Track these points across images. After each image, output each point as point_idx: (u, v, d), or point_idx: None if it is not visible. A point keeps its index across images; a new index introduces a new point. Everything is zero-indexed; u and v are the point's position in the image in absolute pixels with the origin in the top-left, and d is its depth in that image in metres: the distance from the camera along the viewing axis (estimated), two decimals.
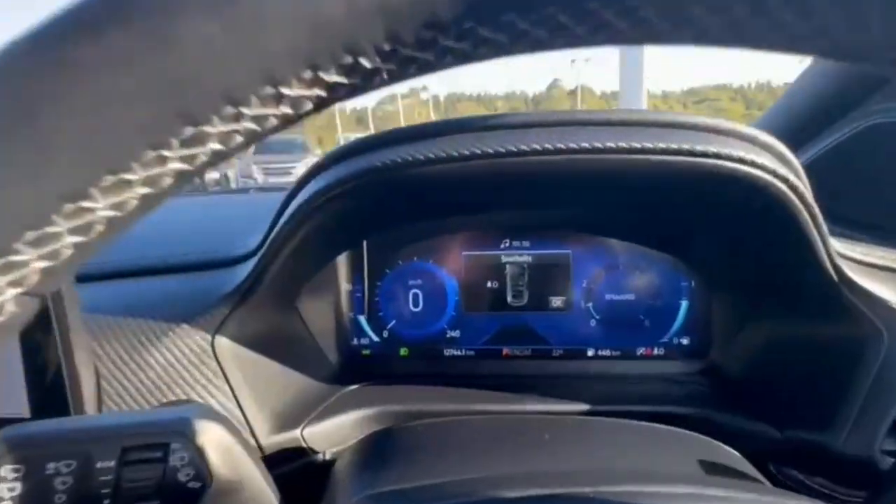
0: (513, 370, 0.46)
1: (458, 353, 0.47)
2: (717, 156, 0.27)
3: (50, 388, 0.28)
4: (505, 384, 0.43)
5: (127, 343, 0.34)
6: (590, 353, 0.46)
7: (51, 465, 0.19)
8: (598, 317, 0.46)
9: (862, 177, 0.48)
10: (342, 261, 0.47)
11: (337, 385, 0.43)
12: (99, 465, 0.19)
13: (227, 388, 0.34)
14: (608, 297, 0.45)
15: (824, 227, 0.31)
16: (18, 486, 0.18)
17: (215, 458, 0.21)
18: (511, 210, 0.43)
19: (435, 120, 0.33)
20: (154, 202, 0.09)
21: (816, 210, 0.31)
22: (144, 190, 0.08)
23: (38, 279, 0.09)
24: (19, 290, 0.08)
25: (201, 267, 0.39)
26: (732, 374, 0.42)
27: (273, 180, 9.05)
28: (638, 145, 0.27)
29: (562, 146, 0.27)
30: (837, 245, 0.34)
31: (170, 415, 0.22)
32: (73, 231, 0.08)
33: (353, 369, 0.46)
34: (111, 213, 0.08)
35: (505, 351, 0.47)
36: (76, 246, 0.09)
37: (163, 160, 0.08)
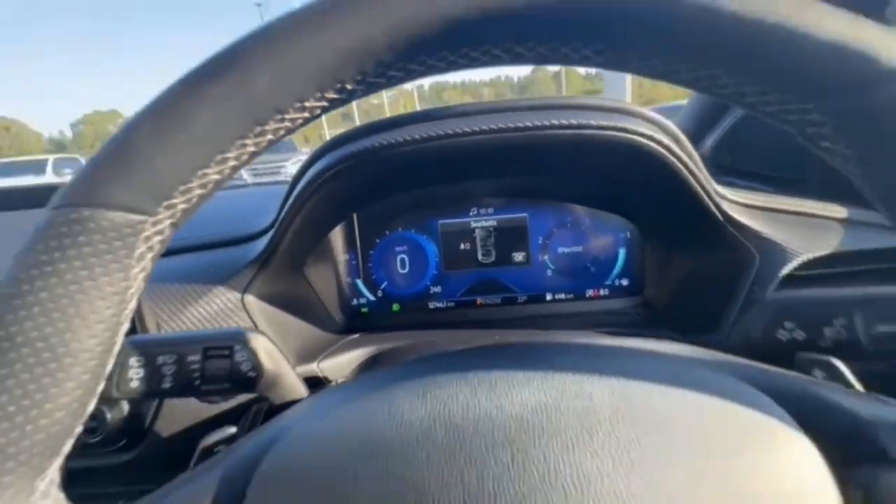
0: (486, 316, 0.56)
1: (441, 305, 0.57)
2: (608, 128, 0.36)
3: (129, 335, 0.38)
4: (479, 327, 0.53)
5: (178, 303, 0.43)
6: (548, 297, 0.56)
7: (160, 358, 0.28)
8: (553, 267, 0.56)
9: (756, 142, 0.58)
10: (338, 234, 0.56)
11: (342, 335, 0.53)
12: (189, 359, 0.29)
13: None
14: (560, 250, 0.55)
15: (704, 180, 0.41)
16: (141, 370, 0.28)
17: (264, 357, 0.31)
18: (472, 181, 0.53)
19: (407, 112, 0.42)
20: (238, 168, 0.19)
21: (695, 166, 0.40)
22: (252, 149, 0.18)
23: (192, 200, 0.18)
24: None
25: (227, 243, 0.49)
26: (661, 303, 0.53)
27: (260, 180, 9.09)
28: (548, 122, 0.36)
29: (493, 126, 0.37)
30: (723, 191, 0.44)
31: (231, 329, 0.32)
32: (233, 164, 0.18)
33: (355, 323, 0.56)
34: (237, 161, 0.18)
35: (479, 301, 0.57)
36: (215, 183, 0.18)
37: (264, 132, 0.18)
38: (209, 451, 0.28)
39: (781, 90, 0.16)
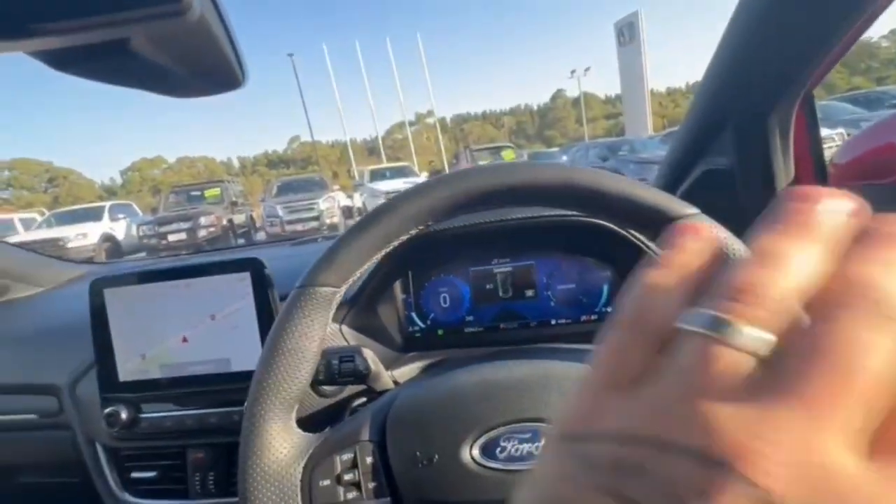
0: (507, 337, 0.76)
1: (474, 329, 0.77)
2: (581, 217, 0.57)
3: None
4: (502, 345, 0.73)
5: None
6: (552, 322, 0.75)
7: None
8: (554, 300, 0.75)
9: (716, 190, 0.77)
10: (397, 284, 0.78)
11: (403, 353, 0.74)
12: (332, 361, 0.50)
13: None
14: (559, 287, 0.75)
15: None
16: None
17: (371, 362, 0.52)
18: (494, 244, 0.74)
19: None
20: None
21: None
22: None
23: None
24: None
25: None
26: None
27: (295, 216, 9.62)
28: (538, 214, 0.58)
29: (508, 217, 0.59)
30: None
31: (352, 346, 0.53)
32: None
33: (411, 345, 0.77)
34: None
35: (501, 326, 0.77)
36: None
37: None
38: (354, 410, 0.49)
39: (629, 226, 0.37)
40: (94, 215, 10.44)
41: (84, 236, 9.32)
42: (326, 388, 0.60)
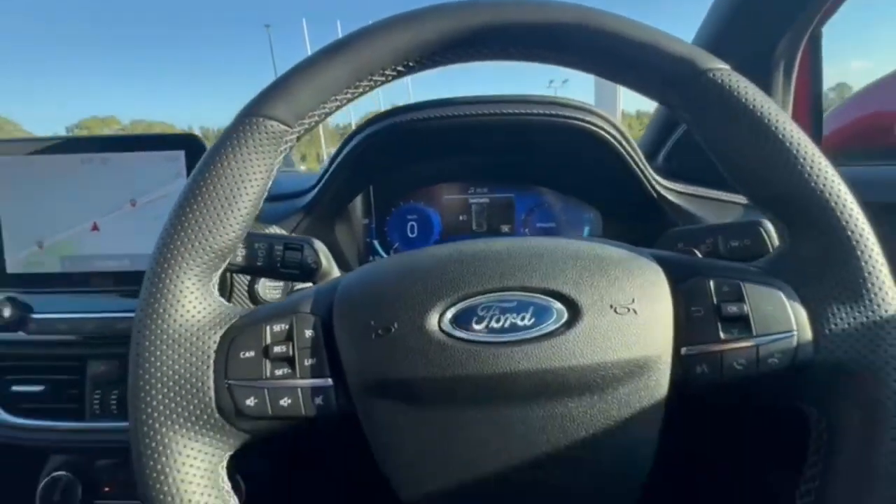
0: None
1: None
2: (565, 116, 0.51)
3: None
4: None
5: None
6: None
7: (256, 245, 0.41)
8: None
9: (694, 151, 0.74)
10: (357, 204, 0.69)
11: None
12: (276, 248, 0.42)
13: None
14: (538, 225, 0.69)
15: (642, 164, 0.56)
16: (244, 250, 0.41)
17: (323, 257, 0.44)
18: (469, 158, 0.67)
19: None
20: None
21: (633, 152, 0.55)
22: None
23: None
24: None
25: (281, 197, 0.62)
26: None
27: None
28: (522, 110, 0.52)
29: (484, 111, 0.52)
30: (660, 179, 0.58)
31: (302, 236, 0.45)
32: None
33: None
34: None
35: None
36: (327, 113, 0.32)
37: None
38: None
39: (654, 84, 0.31)
40: None
41: None
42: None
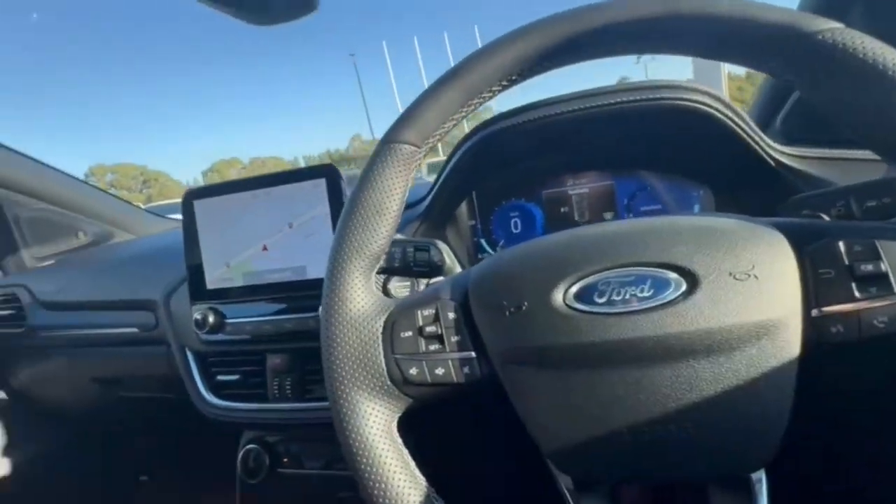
0: None
1: None
2: (669, 97, 0.51)
3: None
4: None
5: None
6: None
7: (392, 248, 0.49)
8: None
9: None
10: (463, 208, 0.76)
11: None
12: (408, 249, 0.49)
13: None
14: (643, 208, 0.69)
15: (755, 134, 0.54)
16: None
17: (446, 255, 0.51)
18: (569, 156, 0.69)
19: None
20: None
21: (745, 124, 0.53)
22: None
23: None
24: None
25: None
26: None
27: None
28: (620, 99, 0.53)
29: (583, 105, 0.54)
30: (775, 144, 0.55)
31: (428, 240, 0.52)
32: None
33: None
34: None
35: None
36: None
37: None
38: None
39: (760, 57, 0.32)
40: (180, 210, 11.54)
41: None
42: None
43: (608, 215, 0.71)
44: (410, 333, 0.36)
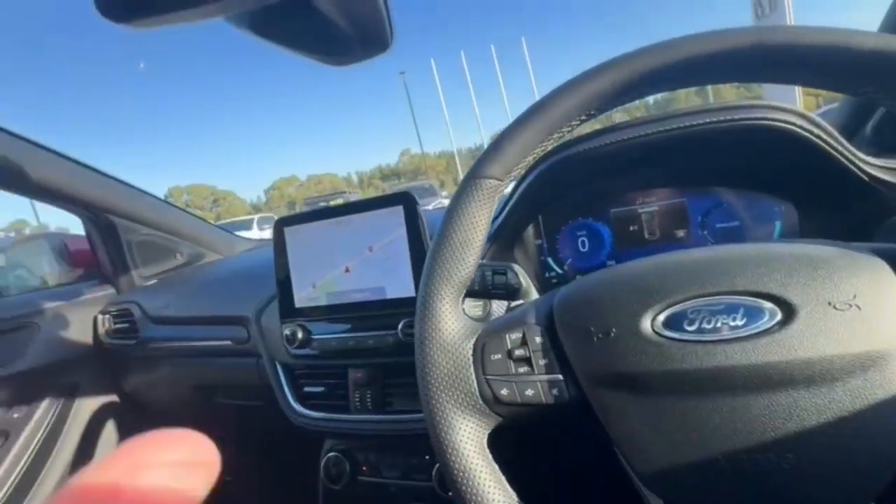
0: None
1: None
2: (747, 118, 0.51)
3: None
4: None
5: None
6: None
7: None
8: (713, 241, 0.68)
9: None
10: (530, 227, 0.78)
11: None
12: (486, 273, 0.52)
13: None
14: (718, 225, 0.67)
15: (843, 147, 0.52)
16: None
17: (522, 278, 0.53)
18: (639, 175, 0.70)
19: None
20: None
21: (835, 139, 0.51)
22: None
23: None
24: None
25: None
26: None
27: None
28: (699, 121, 0.53)
29: (658, 129, 0.55)
30: (866, 157, 0.53)
31: (504, 263, 0.55)
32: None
33: (547, 290, 0.76)
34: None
35: None
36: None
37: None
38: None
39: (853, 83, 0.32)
40: (246, 226, 12.45)
41: None
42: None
43: (680, 233, 0.70)
44: (500, 356, 0.38)
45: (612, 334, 0.34)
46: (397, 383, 0.69)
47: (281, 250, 0.74)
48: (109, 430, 1.13)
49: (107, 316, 1.10)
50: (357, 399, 0.71)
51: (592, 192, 0.73)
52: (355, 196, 14.53)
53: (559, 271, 0.77)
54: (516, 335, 0.39)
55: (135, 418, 1.16)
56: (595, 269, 0.74)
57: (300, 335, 0.72)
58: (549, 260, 0.77)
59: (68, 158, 1.00)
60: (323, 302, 0.72)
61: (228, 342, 0.91)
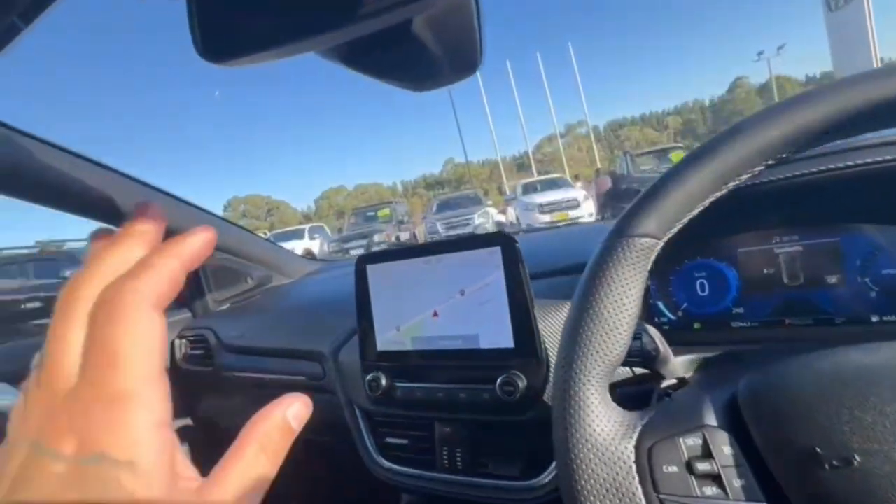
0: (795, 335, 0.59)
1: (744, 324, 0.63)
2: None
3: None
4: (787, 347, 0.57)
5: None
6: (874, 318, 0.56)
7: None
8: (877, 289, 0.56)
9: None
10: None
11: None
12: None
13: None
14: (885, 271, 0.56)
15: None
16: None
17: (659, 342, 0.45)
18: (776, 210, 0.59)
19: None
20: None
21: None
22: None
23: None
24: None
25: (569, 271, 0.67)
26: None
27: (452, 231, 10.30)
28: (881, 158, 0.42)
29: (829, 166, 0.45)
30: None
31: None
32: None
33: None
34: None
35: (787, 321, 0.60)
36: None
37: None
38: (662, 396, 0.42)
39: None
40: (298, 235, 12.96)
41: (293, 251, 11.74)
42: None
43: (832, 278, 0.58)
44: (676, 469, 0.30)
45: (856, 464, 0.25)
46: (492, 443, 0.62)
47: (363, 289, 0.70)
48: (185, 453, 1.14)
49: (183, 341, 1.11)
50: (445, 457, 0.65)
51: (716, 228, 0.63)
52: (402, 205, 14.74)
53: (671, 317, 0.67)
54: (694, 440, 0.31)
55: (209, 442, 1.17)
56: (718, 317, 0.65)
57: (384, 382, 0.67)
58: (660, 304, 0.68)
59: (147, 184, 1.02)
60: (408, 347, 0.67)
61: (303, 378, 0.88)
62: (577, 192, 10.71)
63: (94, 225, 0.94)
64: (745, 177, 0.32)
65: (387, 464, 0.70)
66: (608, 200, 9.37)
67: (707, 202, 0.34)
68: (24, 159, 0.75)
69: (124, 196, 0.94)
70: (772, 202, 0.57)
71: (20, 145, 0.75)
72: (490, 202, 13.14)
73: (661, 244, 0.35)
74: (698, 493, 0.29)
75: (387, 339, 0.69)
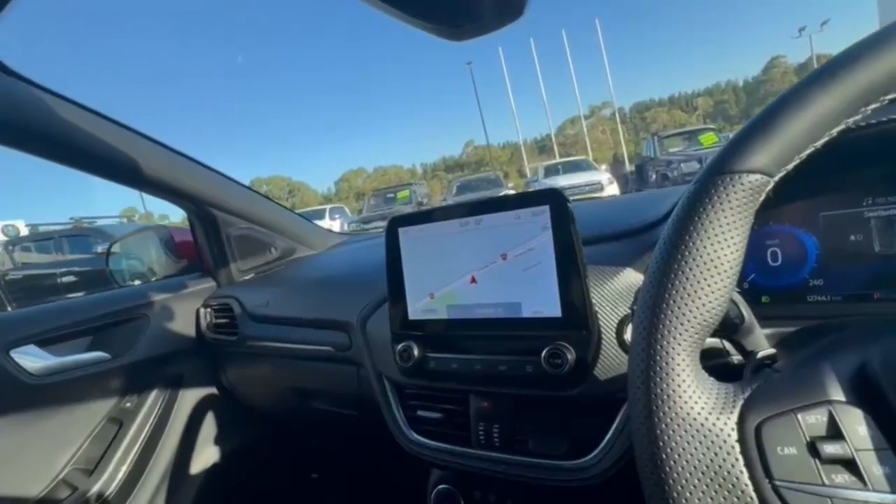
0: (885, 311, 0.52)
1: (823, 298, 0.55)
2: None
3: None
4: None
5: (598, 282, 0.56)
6: None
7: None
8: None
9: None
10: None
11: None
12: None
13: None
14: None
15: None
16: None
17: (745, 310, 0.39)
18: (872, 168, 0.51)
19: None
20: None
21: None
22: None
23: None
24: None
25: (624, 235, 0.60)
26: None
27: None
28: None
29: None
30: None
31: None
32: None
33: None
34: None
35: (877, 295, 0.53)
36: None
37: None
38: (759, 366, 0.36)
39: None
40: (319, 216, 13.06)
41: None
42: None
43: None
44: (795, 451, 0.25)
45: None
46: (533, 419, 0.58)
47: (395, 254, 0.65)
48: (209, 421, 1.14)
49: (208, 310, 1.10)
50: (481, 432, 0.60)
51: (792, 189, 0.55)
52: (421, 187, 14.65)
53: (737, 289, 0.60)
54: (816, 417, 0.26)
55: (233, 411, 1.16)
56: (792, 290, 0.58)
57: (416, 353, 0.62)
58: None
59: (176, 151, 0.99)
60: (443, 315, 0.62)
61: (329, 348, 0.84)
62: (601, 174, 10.41)
63: (123, 202, 0.92)
64: (891, 95, 0.26)
65: (418, 438, 0.66)
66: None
67: (836, 131, 0.27)
68: (55, 121, 0.72)
69: (153, 161, 0.91)
70: (864, 156, 0.49)
71: (55, 108, 0.72)
72: (511, 185, 12.94)
73: (773, 183, 0.29)
74: (825, 481, 0.24)
75: (419, 307, 0.64)
